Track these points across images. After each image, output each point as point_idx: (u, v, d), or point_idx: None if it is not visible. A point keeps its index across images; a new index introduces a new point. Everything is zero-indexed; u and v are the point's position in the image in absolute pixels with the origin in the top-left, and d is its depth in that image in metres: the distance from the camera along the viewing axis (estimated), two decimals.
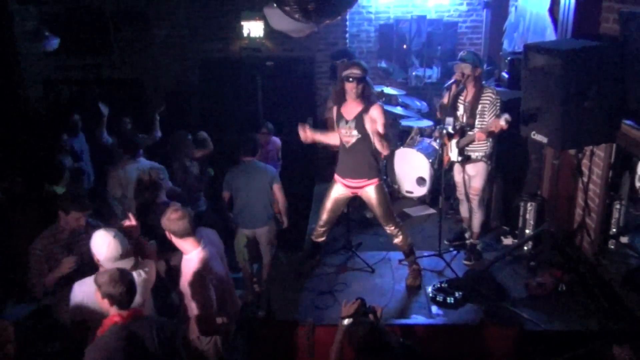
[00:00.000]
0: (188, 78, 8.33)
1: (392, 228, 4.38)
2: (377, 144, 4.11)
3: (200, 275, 3.25)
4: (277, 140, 6.66)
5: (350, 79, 4.06)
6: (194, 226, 3.36)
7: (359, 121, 4.15)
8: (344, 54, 6.18)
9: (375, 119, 4.08)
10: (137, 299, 3.02)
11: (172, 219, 3.28)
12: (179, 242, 3.35)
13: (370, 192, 4.30)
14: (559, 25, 4.86)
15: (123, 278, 2.86)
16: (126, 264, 3.21)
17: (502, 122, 4.26)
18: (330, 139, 4.46)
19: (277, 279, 4.65)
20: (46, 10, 7.81)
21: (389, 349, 2.80)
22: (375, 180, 4.30)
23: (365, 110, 4.14)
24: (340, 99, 4.22)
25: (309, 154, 7.24)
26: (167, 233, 3.36)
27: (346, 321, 3.15)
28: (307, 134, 4.34)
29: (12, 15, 7.58)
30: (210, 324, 3.37)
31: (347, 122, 4.20)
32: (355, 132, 4.18)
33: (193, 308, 3.30)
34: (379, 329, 2.92)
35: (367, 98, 4.17)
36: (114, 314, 2.85)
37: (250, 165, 5.18)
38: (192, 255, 3.33)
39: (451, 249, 5.09)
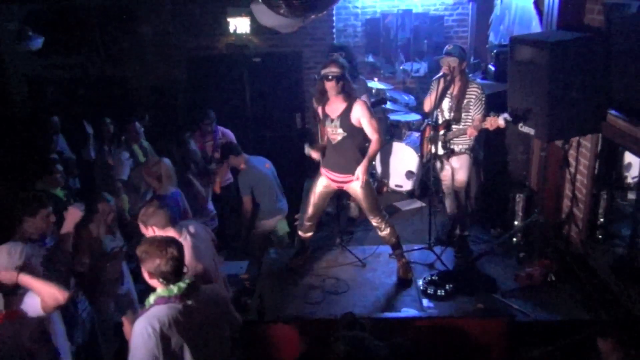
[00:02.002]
0: (175, 75, 8.27)
1: (379, 220, 4.39)
2: (375, 149, 4.19)
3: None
4: (225, 131, 6.52)
5: (330, 77, 4.07)
6: (173, 217, 3.57)
7: (343, 119, 4.17)
8: (340, 48, 6.11)
9: (359, 117, 4.13)
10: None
11: (150, 213, 3.46)
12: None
13: (356, 186, 4.30)
14: (544, 18, 4.89)
15: None
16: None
17: (501, 122, 4.24)
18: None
19: (268, 276, 4.64)
20: (29, 9, 7.72)
21: None
22: None
23: (349, 107, 4.16)
24: (323, 97, 4.23)
25: (297, 150, 7.24)
26: (149, 229, 3.47)
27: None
28: (316, 154, 4.41)
29: None
30: None
31: (332, 120, 4.21)
32: (340, 131, 4.20)
33: None
34: (362, 343, 2.71)
35: (348, 95, 4.18)
36: None
37: (252, 159, 5.53)
38: None
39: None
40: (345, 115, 4.15)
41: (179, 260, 2.72)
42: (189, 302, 2.74)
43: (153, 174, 4.82)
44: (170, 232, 3.42)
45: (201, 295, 2.82)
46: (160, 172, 4.82)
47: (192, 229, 3.65)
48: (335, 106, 4.22)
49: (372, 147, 4.16)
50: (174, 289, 2.72)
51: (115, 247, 4.25)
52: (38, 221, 3.64)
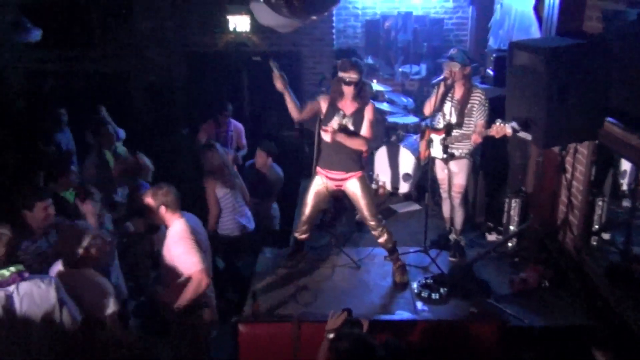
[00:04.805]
0: (173, 72, 8.25)
1: (375, 224, 4.38)
2: (358, 142, 4.21)
3: (190, 235, 3.62)
4: (237, 124, 6.64)
5: (348, 81, 4.14)
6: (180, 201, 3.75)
7: (357, 117, 4.23)
8: (353, 53, 6.04)
9: (365, 117, 4.22)
10: None
11: (162, 193, 3.63)
12: (168, 216, 3.68)
13: (353, 184, 4.32)
14: (543, 23, 4.89)
15: None
16: None
17: (509, 130, 4.17)
18: (294, 107, 4.32)
19: (263, 276, 4.63)
20: (28, 0, 7.68)
21: None
22: (359, 172, 4.34)
23: (363, 106, 4.24)
24: (339, 94, 4.25)
25: (294, 149, 7.23)
26: (160, 208, 3.64)
27: (331, 335, 2.93)
28: (279, 80, 4.38)
29: None
30: (202, 283, 3.58)
31: (344, 116, 4.22)
32: (352, 128, 4.22)
33: (182, 270, 3.59)
34: (364, 341, 2.69)
35: (363, 98, 4.25)
36: None
37: None
38: (177, 224, 3.69)
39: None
40: (359, 113, 4.23)
41: (9, 245, 2.85)
42: (10, 289, 2.81)
43: (133, 170, 5.10)
44: (177, 214, 3.70)
45: (23, 286, 2.88)
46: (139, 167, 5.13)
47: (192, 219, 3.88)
48: (349, 103, 4.26)
49: (361, 138, 4.23)
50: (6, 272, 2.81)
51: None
52: (37, 214, 3.74)
